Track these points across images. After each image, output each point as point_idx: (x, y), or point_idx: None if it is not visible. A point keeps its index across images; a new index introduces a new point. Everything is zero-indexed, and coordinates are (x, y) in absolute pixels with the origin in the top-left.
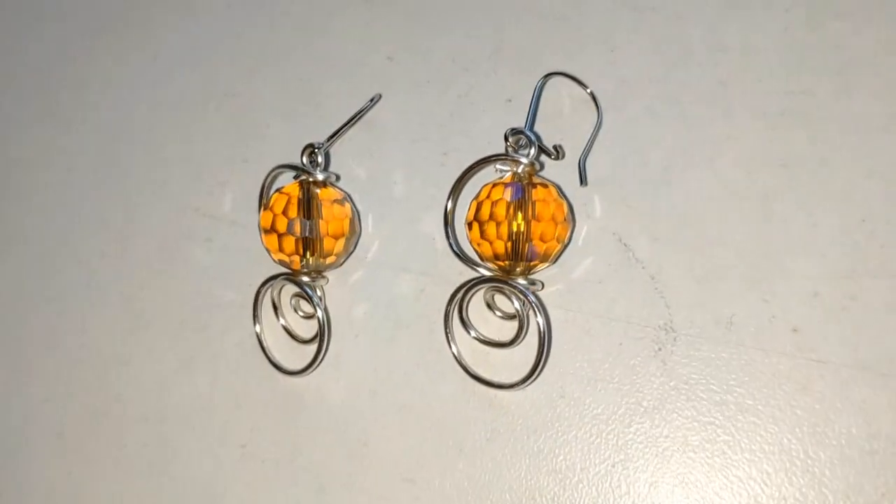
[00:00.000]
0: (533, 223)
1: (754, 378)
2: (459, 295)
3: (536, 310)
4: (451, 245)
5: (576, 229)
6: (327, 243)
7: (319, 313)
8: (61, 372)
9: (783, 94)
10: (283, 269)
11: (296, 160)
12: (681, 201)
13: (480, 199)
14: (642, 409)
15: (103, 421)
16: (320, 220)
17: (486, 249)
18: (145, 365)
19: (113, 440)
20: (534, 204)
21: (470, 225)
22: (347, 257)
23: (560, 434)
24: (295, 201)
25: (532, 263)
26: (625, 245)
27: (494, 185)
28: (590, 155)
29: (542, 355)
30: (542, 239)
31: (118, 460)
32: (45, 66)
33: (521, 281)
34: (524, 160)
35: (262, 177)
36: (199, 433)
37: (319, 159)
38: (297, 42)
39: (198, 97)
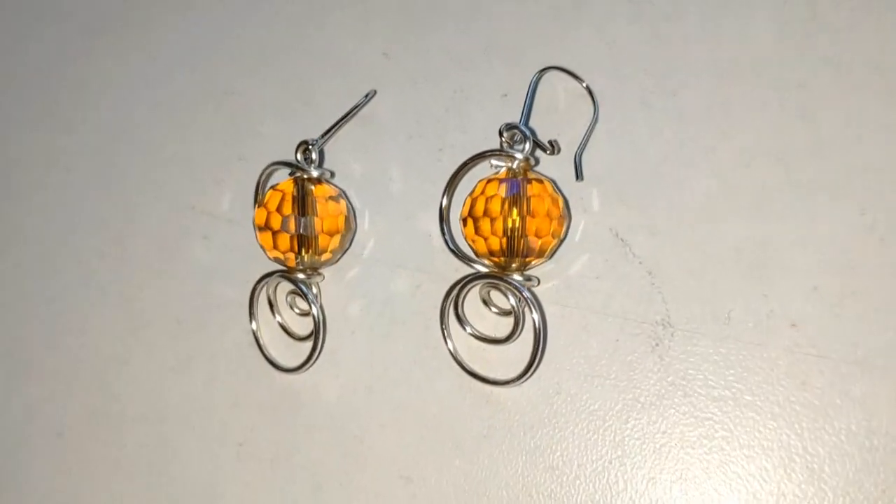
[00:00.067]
0: (528, 219)
1: (753, 373)
2: (455, 291)
3: (532, 306)
4: (446, 241)
5: (572, 225)
6: (322, 240)
7: (315, 310)
8: (61, 372)
9: (781, 87)
10: (279, 267)
11: (291, 157)
12: (678, 196)
13: (475, 195)
14: (640, 405)
15: (102, 420)
16: (315, 217)
17: (482, 246)
18: (144, 364)
19: (112, 440)
20: (529, 199)
21: (465, 221)
22: (343, 254)
23: (557, 430)
24: (289, 198)
25: (528, 259)
26: (621, 240)
27: (489, 180)
28: (586, 150)
29: (538, 351)
30: (537, 235)
31: (117, 460)
32: (45, 66)
33: (517, 277)
34: (519, 155)
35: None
36: (197, 432)
37: (314, 156)
38: (292, 39)
39: (194, 96)
